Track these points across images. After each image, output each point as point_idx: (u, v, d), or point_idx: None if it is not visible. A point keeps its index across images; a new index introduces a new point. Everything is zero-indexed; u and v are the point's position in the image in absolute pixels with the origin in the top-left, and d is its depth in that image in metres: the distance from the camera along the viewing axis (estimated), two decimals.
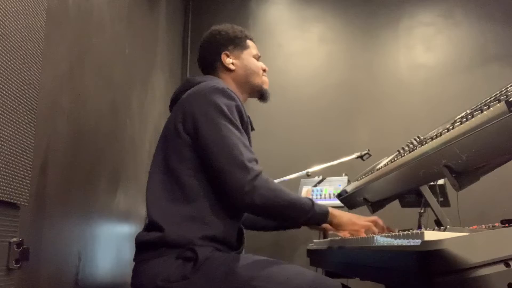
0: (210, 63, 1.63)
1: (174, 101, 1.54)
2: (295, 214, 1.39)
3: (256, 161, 1.37)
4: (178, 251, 1.31)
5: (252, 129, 1.64)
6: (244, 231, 1.58)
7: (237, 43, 1.64)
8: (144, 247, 1.37)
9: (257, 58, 1.67)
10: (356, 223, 1.44)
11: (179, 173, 1.39)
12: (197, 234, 1.34)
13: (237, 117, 1.41)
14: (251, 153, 1.37)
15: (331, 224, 1.45)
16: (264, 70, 1.67)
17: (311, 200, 1.42)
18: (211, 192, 1.38)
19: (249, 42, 1.66)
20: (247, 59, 1.63)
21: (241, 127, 1.41)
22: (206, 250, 1.31)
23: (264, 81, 1.66)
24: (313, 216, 1.40)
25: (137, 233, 1.42)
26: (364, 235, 1.39)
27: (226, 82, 1.59)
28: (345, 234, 1.49)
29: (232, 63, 1.62)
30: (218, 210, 1.39)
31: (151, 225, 1.39)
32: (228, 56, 1.62)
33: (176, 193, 1.39)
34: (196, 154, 1.39)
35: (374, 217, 1.49)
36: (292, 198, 1.38)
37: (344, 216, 1.45)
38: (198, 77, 1.56)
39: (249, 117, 1.56)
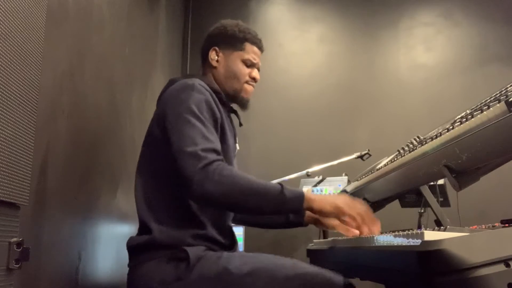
0: (203, 54, 1.63)
1: (159, 101, 1.54)
2: (260, 201, 1.26)
3: (216, 152, 1.29)
4: (170, 252, 1.31)
5: (240, 124, 1.64)
6: (246, 230, 1.57)
7: (230, 42, 1.58)
8: (136, 251, 1.37)
9: (248, 64, 1.58)
10: (342, 210, 1.27)
11: (161, 172, 1.39)
12: (186, 233, 1.34)
13: (205, 111, 1.36)
14: (210, 144, 1.29)
15: (311, 210, 1.30)
16: (253, 79, 1.59)
17: (280, 184, 1.28)
18: None
19: (247, 46, 1.58)
20: (232, 61, 1.57)
21: (207, 121, 1.35)
22: (198, 250, 1.31)
23: (244, 88, 1.58)
24: (284, 203, 1.25)
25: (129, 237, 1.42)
26: (356, 232, 1.27)
27: (208, 78, 1.58)
28: (334, 224, 1.31)
29: (217, 60, 1.59)
30: (204, 207, 1.38)
31: (140, 228, 1.40)
32: (216, 52, 1.59)
33: (160, 193, 1.39)
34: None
35: (364, 208, 1.30)
36: (254, 184, 1.26)
37: (325, 200, 1.29)
38: (180, 77, 1.55)
39: (230, 116, 1.56)
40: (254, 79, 1.60)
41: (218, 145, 1.33)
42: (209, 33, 1.64)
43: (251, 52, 1.59)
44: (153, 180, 1.41)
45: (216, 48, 1.59)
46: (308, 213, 1.56)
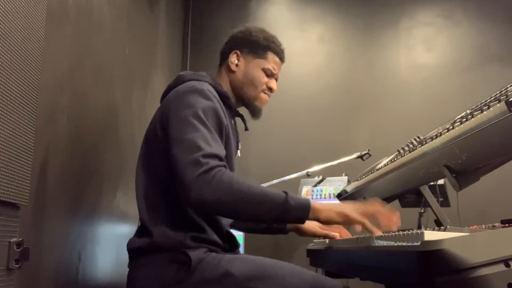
0: (223, 55, 1.60)
1: (164, 97, 1.51)
2: (263, 209, 1.22)
3: (218, 157, 1.25)
4: (171, 254, 1.30)
5: (246, 129, 1.62)
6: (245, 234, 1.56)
7: (253, 48, 1.55)
8: (136, 254, 1.36)
9: (268, 73, 1.55)
10: (351, 219, 1.24)
11: (161, 173, 1.37)
12: (186, 235, 1.32)
13: (211, 118, 1.32)
14: (213, 149, 1.24)
15: (318, 220, 1.26)
16: (269, 89, 1.56)
17: (285, 192, 1.24)
18: None
19: (270, 55, 1.55)
20: (253, 68, 1.54)
21: (212, 128, 1.31)
22: (199, 252, 1.30)
23: (260, 97, 1.55)
24: (288, 211, 1.21)
25: (129, 239, 1.41)
26: (360, 228, 1.24)
27: (223, 81, 1.56)
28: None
29: (236, 65, 1.55)
30: (201, 213, 1.36)
31: (140, 229, 1.38)
32: (238, 56, 1.55)
33: (160, 194, 1.37)
34: None
35: (374, 207, 1.26)
36: (255, 191, 1.22)
37: (332, 210, 1.25)
38: (189, 74, 1.50)
39: (235, 120, 1.54)
40: (270, 89, 1.57)
41: (222, 151, 1.29)
42: (232, 35, 1.60)
43: (272, 62, 1.56)
44: (153, 181, 1.39)
45: (238, 52, 1.55)
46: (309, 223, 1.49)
